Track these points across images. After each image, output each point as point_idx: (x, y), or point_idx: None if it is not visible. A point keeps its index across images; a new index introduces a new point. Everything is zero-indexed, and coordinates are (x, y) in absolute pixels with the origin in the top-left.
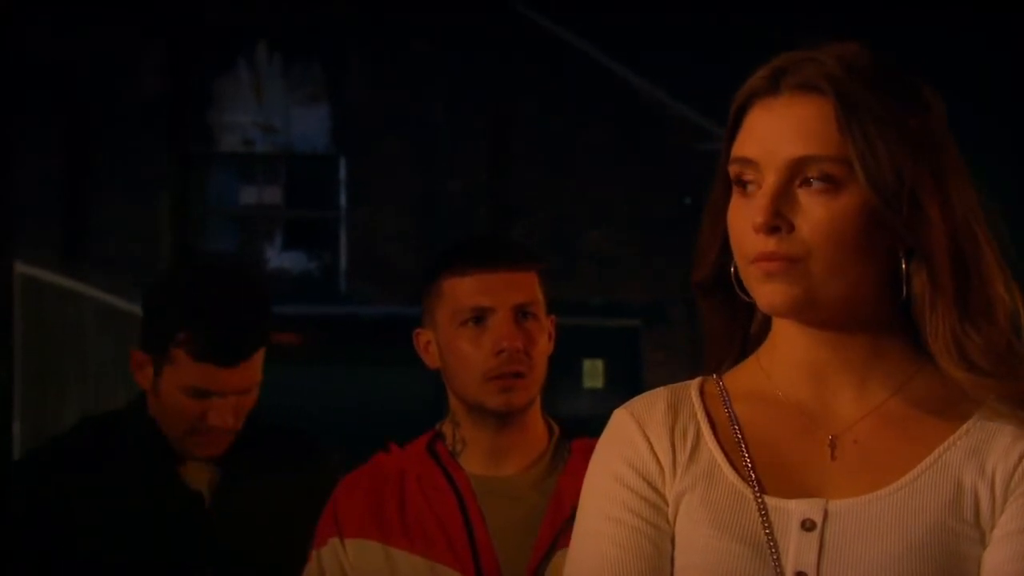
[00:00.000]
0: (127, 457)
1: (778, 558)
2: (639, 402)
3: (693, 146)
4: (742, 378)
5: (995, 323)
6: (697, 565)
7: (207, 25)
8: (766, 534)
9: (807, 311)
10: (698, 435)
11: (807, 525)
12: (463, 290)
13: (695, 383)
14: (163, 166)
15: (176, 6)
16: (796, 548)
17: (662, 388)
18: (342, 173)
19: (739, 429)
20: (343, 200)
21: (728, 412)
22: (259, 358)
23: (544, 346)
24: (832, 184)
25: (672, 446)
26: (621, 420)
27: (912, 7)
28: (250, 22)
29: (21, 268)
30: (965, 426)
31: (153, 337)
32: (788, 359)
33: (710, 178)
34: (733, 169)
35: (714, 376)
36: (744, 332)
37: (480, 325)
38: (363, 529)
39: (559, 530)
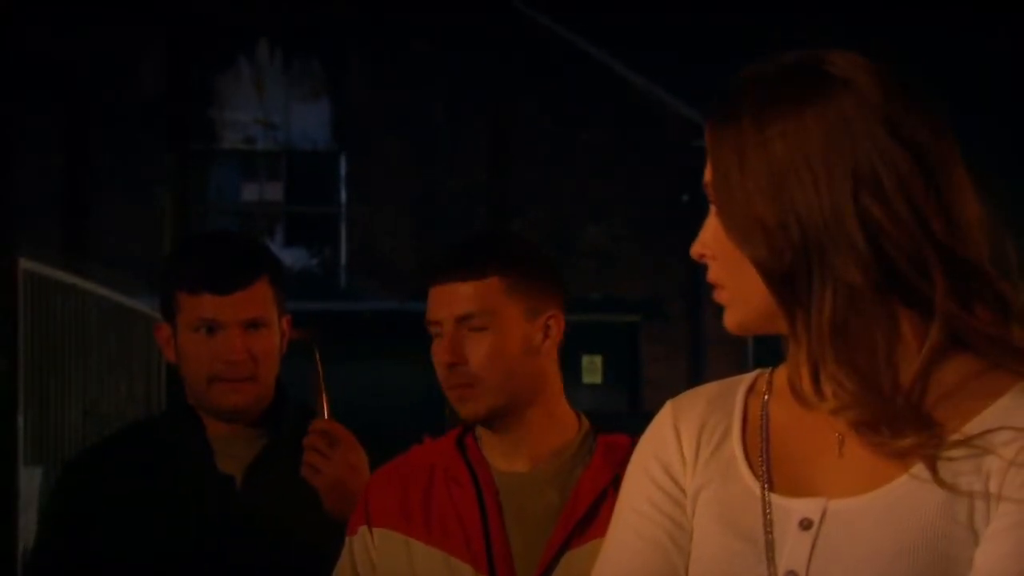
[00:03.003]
0: (167, 445)
1: (773, 556)
2: (686, 395)
3: (691, 143)
4: (785, 373)
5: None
6: (703, 559)
7: (208, 23)
8: (766, 532)
9: (755, 330)
10: (726, 431)
11: (804, 524)
12: (428, 303)
13: (750, 377)
14: (164, 163)
15: (177, 4)
16: (791, 547)
17: (718, 382)
18: (342, 170)
19: (767, 426)
20: (343, 196)
21: (763, 410)
22: (260, 292)
23: (498, 354)
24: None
25: (698, 442)
26: (663, 411)
27: (912, 7)
28: (251, 20)
29: (25, 264)
30: (969, 424)
31: (166, 303)
32: None
33: None
34: None
35: (771, 369)
36: None
37: (437, 337)
38: (389, 519)
39: (573, 530)
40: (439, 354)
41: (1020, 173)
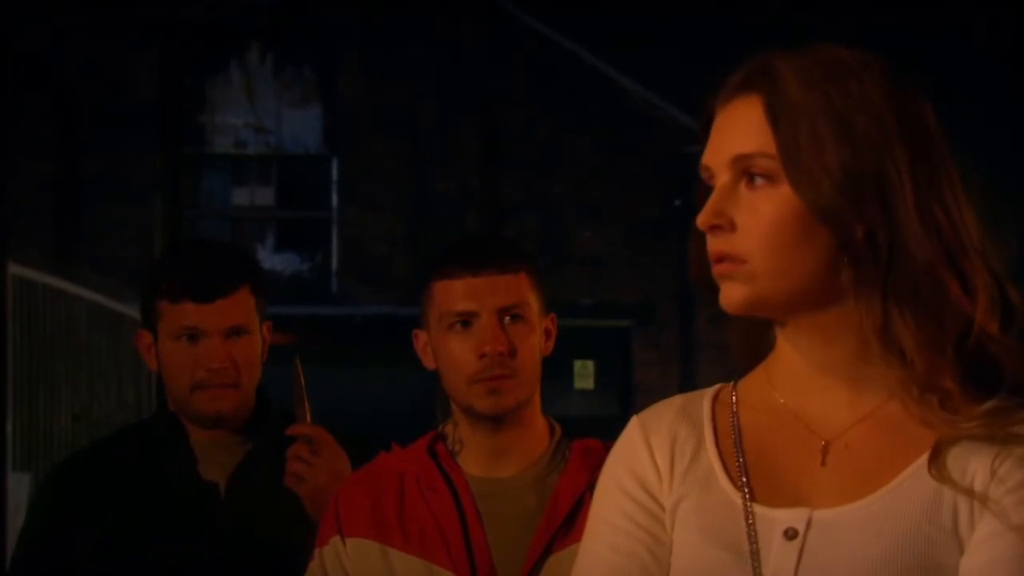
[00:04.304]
0: (150, 452)
1: (758, 566)
2: (652, 410)
3: (683, 148)
4: (752, 385)
5: (939, 316)
6: (684, 571)
7: (199, 27)
8: (750, 543)
9: (765, 310)
10: (700, 443)
11: (790, 534)
12: (450, 294)
13: (712, 390)
14: (155, 167)
15: (168, 8)
16: (777, 557)
17: (680, 395)
18: (334, 174)
19: (740, 437)
20: (335, 201)
21: (733, 420)
22: (242, 300)
23: (533, 347)
24: (770, 180)
25: (672, 454)
26: (631, 427)
27: (913, 7)
28: (242, 24)
29: (14, 269)
30: (961, 428)
31: (147, 311)
32: (786, 363)
33: (699, 180)
34: (703, 176)
35: (732, 383)
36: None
37: (467, 328)
38: (362, 529)
39: (554, 533)
40: (483, 344)
41: (1021, 173)
